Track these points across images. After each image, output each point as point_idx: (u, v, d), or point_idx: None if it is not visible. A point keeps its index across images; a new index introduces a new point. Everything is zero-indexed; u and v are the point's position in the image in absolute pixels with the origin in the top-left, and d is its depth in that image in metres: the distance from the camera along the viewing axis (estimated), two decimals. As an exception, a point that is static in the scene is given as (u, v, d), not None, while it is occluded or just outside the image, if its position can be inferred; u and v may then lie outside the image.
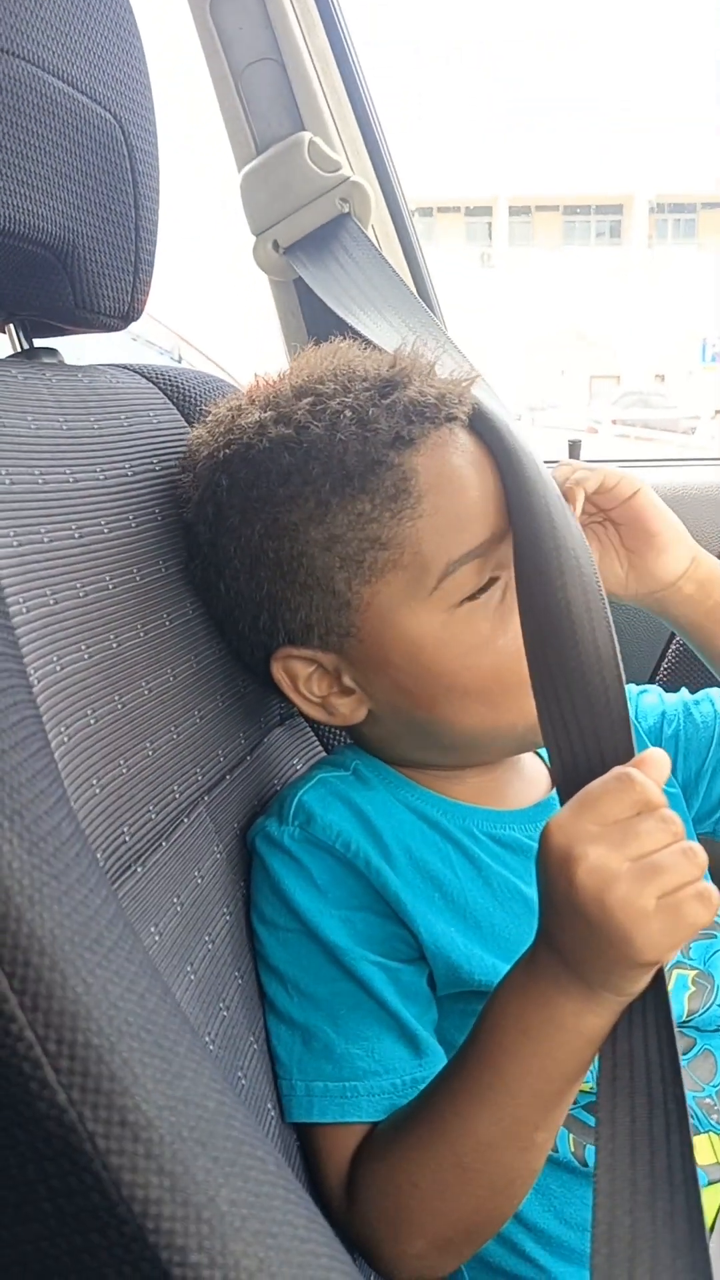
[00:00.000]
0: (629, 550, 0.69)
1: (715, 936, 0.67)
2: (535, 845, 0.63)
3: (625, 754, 0.48)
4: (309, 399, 0.58)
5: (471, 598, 0.58)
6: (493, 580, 0.58)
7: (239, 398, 0.63)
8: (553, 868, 0.46)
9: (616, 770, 0.47)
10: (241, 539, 0.59)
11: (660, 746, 0.73)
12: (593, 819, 0.45)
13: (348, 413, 0.56)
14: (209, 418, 0.64)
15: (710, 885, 0.45)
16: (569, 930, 0.46)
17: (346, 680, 0.61)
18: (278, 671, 0.61)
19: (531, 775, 0.68)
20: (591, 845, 0.45)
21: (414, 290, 1.04)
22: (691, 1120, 0.58)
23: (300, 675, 0.61)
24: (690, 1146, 0.43)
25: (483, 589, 0.58)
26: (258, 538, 0.58)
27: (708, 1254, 0.42)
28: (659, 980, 0.47)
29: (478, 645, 0.58)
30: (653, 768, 0.47)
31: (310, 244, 0.78)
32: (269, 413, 0.59)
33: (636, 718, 0.75)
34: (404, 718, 0.61)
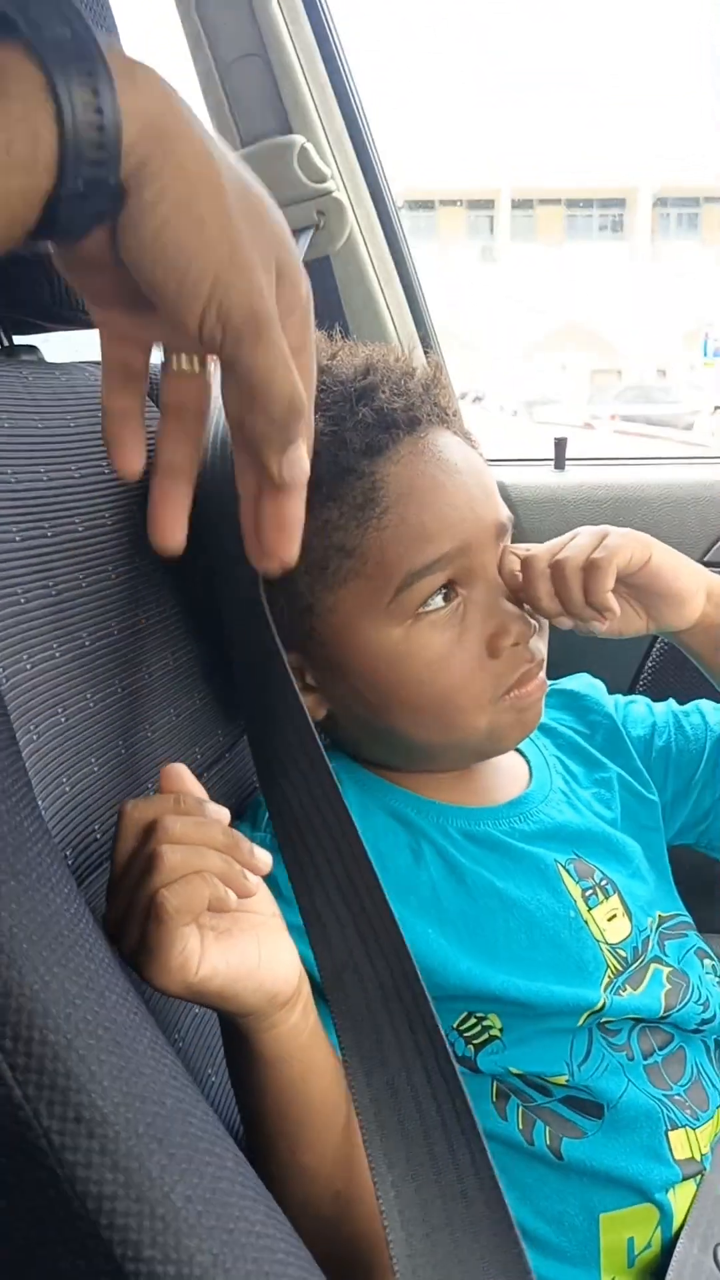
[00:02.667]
0: (646, 605, 0.67)
1: (686, 936, 0.68)
2: (510, 840, 0.63)
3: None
4: None
5: (432, 611, 0.58)
6: (454, 595, 0.58)
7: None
8: None
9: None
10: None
11: (651, 758, 0.74)
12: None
13: (319, 421, 0.56)
14: None
15: (163, 891, 0.40)
16: None
17: (308, 679, 0.61)
18: None
19: (509, 770, 0.69)
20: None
21: (400, 291, 1.04)
22: (667, 1114, 0.59)
23: None
24: (483, 1152, 0.40)
25: (448, 601, 0.58)
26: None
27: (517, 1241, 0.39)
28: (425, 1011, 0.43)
29: (432, 662, 0.58)
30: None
31: None
32: None
33: (624, 726, 0.75)
34: (361, 723, 0.62)
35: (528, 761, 0.70)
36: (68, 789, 0.50)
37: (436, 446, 0.59)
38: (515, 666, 0.60)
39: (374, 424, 0.57)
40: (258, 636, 0.53)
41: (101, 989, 0.37)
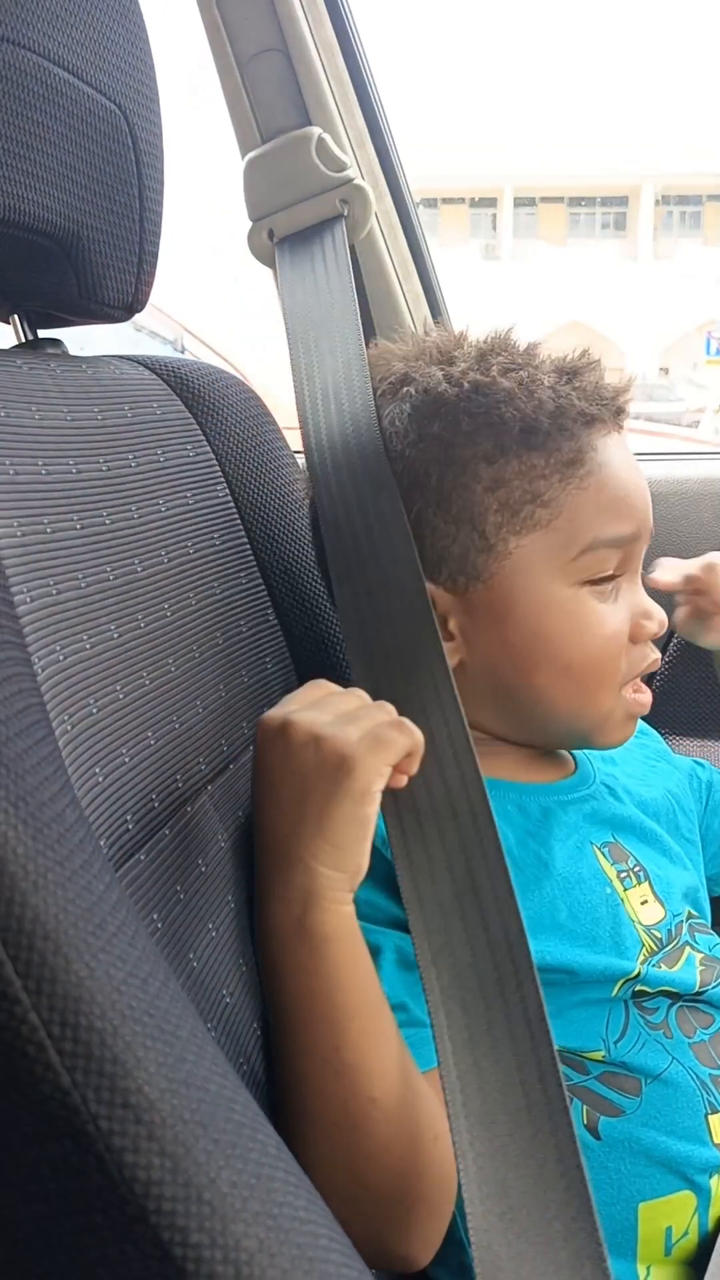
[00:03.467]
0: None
1: (712, 934, 0.68)
2: (556, 813, 0.64)
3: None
4: (502, 358, 0.62)
5: (596, 583, 0.61)
6: (616, 576, 0.62)
7: (401, 354, 0.66)
8: (268, 741, 0.52)
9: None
10: (406, 461, 0.62)
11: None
12: (297, 702, 0.53)
13: (545, 379, 0.60)
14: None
15: (404, 720, 0.51)
16: (281, 792, 0.51)
17: (451, 625, 0.63)
18: None
19: (560, 757, 0.71)
20: (299, 713, 0.52)
21: (418, 285, 1.04)
22: (708, 1098, 0.59)
23: None
24: (568, 1123, 0.42)
25: (608, 579, 0.62)
26: (424, 461, 0.61)
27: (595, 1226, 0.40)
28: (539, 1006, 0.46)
29: (590, 627, 0.61)
30: None
31: (298, 240, 0.77)
32: (459, 366, 0.62)
33: (673, 759, 0.78)
34: (494, 677, 0.63)
35: (574, 759, 0.72)
36: (101, 779, 0.50)
37: (628, 450, 0.64)
38: (645, 658, 0.64)
39: (593, 396, 0.61)
40: (413, 624, 0.59)
41: (144, 976, 0.37)
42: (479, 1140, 0.41)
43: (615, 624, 0.62)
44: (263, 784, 0.53)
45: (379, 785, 0.50)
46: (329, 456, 0.64)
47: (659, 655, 0.65)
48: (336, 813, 0.50)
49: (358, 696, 0.54)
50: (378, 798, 0.50)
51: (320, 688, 0.55)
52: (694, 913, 0.68)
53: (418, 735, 0.52)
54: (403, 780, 0.52)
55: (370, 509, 0.61)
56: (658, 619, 0.64)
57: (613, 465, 0.61)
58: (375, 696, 0.56)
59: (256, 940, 0.54)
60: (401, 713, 0.55)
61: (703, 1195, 0.57)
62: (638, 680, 0.65)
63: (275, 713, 0.53)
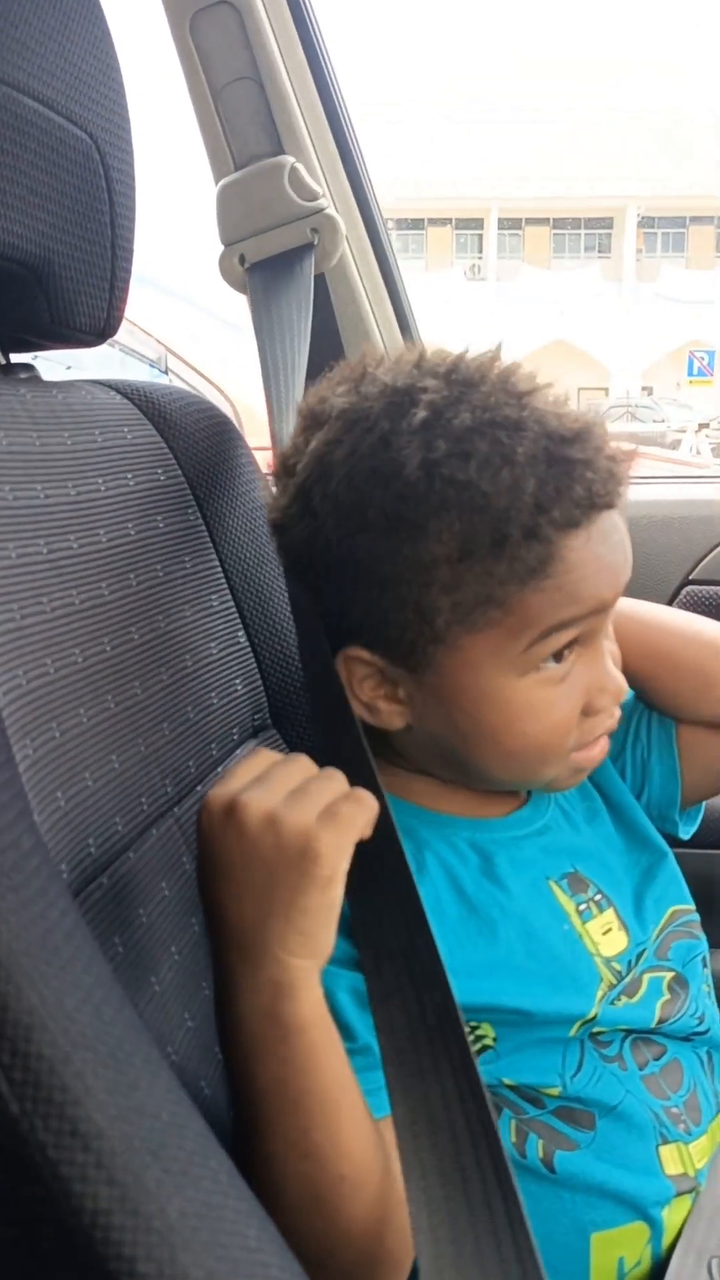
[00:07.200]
0: None
1: (699, 939, 0.68)
2: (510, 851, 0.64)
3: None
4: (488, 441, 0.53)
5: (549, 666, 0.57)
6: (567, 653, 0.58)
7: (398, 373, 0.57)
8: (218, 826, 0.50)
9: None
10: (363, 542, 0.56)
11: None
12: (239, 778, 0.51)
13: (532, 482, 0.53)
14: (361, 381, 0.58)
15: (359, 789, 0.51)
16: (243, 882, 0.49)
17: (401, 693, 0.60)
18: (339, 666, 0.60)
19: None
20: (247, 793, 0.50)
21: (390, 310, 1.06)
22: (660, 1129, 0.59)
23: (356, 674, 0.60)
24: (506, 1170, 0.42)
25: (562, 658, 0.58)
26: (384, 549, 0.55)
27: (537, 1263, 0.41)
28: (459, 1034, 0.46)
29: (537, 712, 0.58)
30: None
31: (269, 267, 0.78)
32: (442, 445, 0.53)
33: None
34: (440, 746, 0.62)
35: None
36: (62, 804, 0.50)
37: (611, 524, 0.57)
38: (599, 726, 0.61)
39: (581, 498, 0.54)
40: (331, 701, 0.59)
41: (98, 1003, 0.38)
42: (429, 1168, 0.42)
43: (564, 710, 0.58)
44: (217, 872, 0.50)
45: (345, 866, 0.49)
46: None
47: (615, 718, 0.62)
48: (305, 903, 0.48)
49: (303, 766, 0.52)
50: (344, 879, 0.49)
51: (262, 758, 0.53)
52: (681, 908, 0.68)
53: (373, 803, 0.50)
54: None
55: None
56: (611, 692, 0.60)
57: (582, 564, 0.55)
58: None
59: (222, 1020, 0.52)
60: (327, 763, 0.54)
61: (655, 1226, 0.58)
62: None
63: (219, 792, 0.50)
